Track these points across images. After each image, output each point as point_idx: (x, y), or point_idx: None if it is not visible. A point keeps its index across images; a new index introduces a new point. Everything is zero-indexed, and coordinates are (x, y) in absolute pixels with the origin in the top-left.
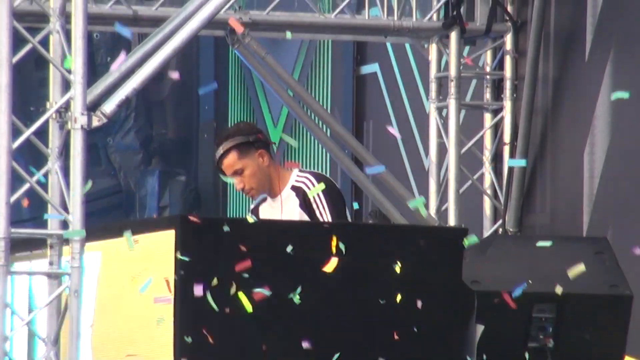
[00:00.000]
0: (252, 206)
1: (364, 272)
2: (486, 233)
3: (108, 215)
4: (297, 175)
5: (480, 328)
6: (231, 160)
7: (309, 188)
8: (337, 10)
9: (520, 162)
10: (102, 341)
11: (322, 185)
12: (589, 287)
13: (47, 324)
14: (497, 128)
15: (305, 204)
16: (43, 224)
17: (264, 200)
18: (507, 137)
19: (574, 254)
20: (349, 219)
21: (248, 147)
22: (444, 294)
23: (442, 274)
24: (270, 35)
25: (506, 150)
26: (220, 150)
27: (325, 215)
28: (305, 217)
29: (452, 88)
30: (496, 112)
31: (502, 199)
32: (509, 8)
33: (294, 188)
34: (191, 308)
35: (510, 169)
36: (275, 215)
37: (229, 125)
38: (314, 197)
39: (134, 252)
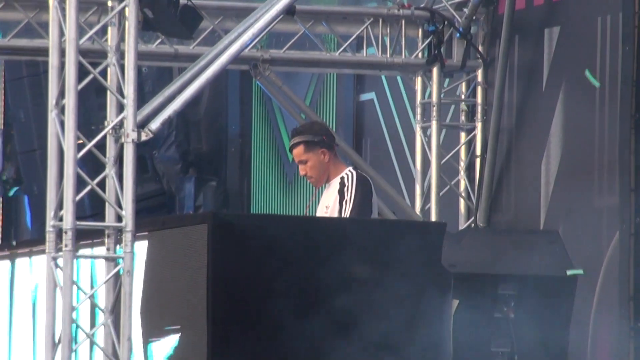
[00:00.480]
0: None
1: (364, 257)
2: (461, 227)
3: (153, 213)
4: (348, 170)
5: (455, 302)
6: (298, 152)
7: (348, 177)
8: (341, 49)
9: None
10: (149, 312)
11: (354, 173)
12: (543, 270)
13: (105, 297)
14: (470, 144)
15: (341, 187)
16: (102, 219)
17: (326, 187)
18: (478, 151)
19: (531, 244)
20: (373, 207)
21: (314, 145)
22: (427, 275)
23: (425, 258)
24: (286, 69)
25: (477, 161)
26: (292, 142)
27: (350, 194)
28: (337, 199)
29: (434, 112)
30: (470, 131)
31: (474, 201)
32: (480, 48)
33: (340, 177)
34: (223, 289)
35: (481, 176)
36: (325, 196)
37: (299, 126)
38: (347, 182)
39: (173, 241)
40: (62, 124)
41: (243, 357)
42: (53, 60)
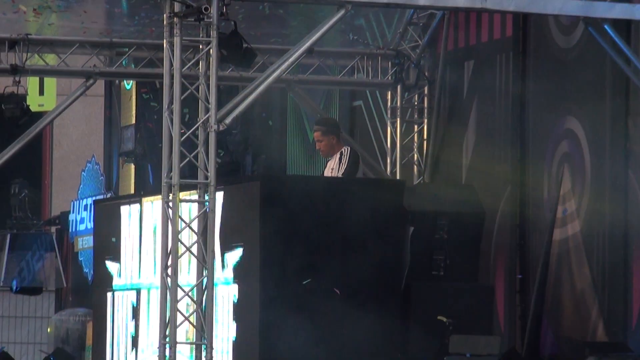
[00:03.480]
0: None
1: (353, 202)
2: (415, 182)
3: (227, 175)
4: (345, 147)
5: (411, 229)
6: (317, 135)
7: (345, 151)
8: (341, 74)
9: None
10: (224, 235)
11: (349, 149)
12: (463, 208)
13: (198, 226)
14: (420, 132)
15: (340, 156)
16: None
17: (331, 158)
18: (425, 136)
19: (456, 193)
20: (359, 170)
21: (326, 132)
22: (393, 212)
23: (392, 202)
24: (307, 86)
25: (424, 143)
26: (314, 129)
27: (345, 160)
28: (337, 164)
29: (399, 113)
30: (420, 124)
31: (422, 167)
32: (426, 73)
33: (340, 152)
34: (270, 221)
35: (427, 152)
36: (331, 163)
37: (319, 119)
38: (344, 153)
39: (238, 191)
40: (171, 120)
41: (281, 266)
42: (166, 80)
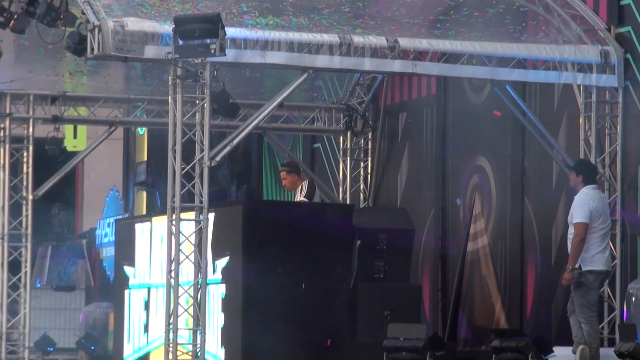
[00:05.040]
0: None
1: (307, 223)
2: (361, 206)
3: (217, 200)
4: (305, 181)
5: (357, 242)
6: (282, 174)
7: (305, 184)
8: (305, 122)
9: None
10: (215, 245)
11: (307, 181)
12: (397, 225)
13: (195, 239)
14: (365, 168)
15: (301, 188)
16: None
17: (295, 192)
18: (369, 170)
19: (393, 213)
20: (316, 196)
21: (289, 171)
22: (344, 229)
23: (343, 221)
24: (279, 132)
25: (369, 175)
26: (281, 170)
27: (304, 190)
28: (299, 194)
29: (349, 153)
30: (365, 161)
31: (367, 193)
32: (370, 122)
33: (302, 185)
34: (251, 236)
35: (371, 182)
36: (296, 193)
37: (284, 162)
38: (304, 185)
39: (226, 213)
40: (174, 158)
41: (259, 269)
42: (170, 127)
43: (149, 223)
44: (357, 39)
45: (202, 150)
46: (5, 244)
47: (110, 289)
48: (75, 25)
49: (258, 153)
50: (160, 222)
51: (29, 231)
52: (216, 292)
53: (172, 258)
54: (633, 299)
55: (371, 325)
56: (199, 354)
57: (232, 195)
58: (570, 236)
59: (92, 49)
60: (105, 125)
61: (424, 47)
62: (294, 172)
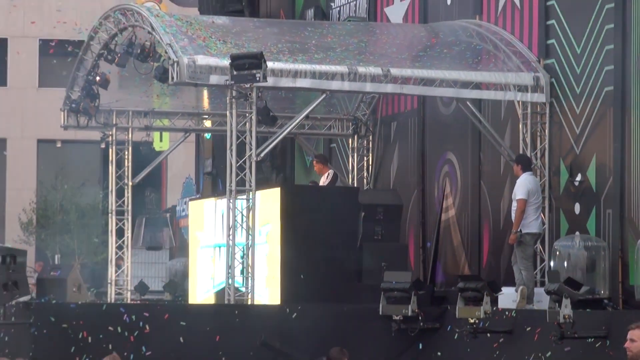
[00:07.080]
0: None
1: (328, 200)
2: (364, 188)
3: (261, 184)
4: (330, 170)
5: (362, 213)
6: (315, 162)
7: (330, 172)
8: (324, 129)
9: None
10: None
11: (332, 172)
12: (390, 202)
13: (245, 212)
14: (368, 163)
15: (327, 175)
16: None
17: (323, 175)
18: (370, 164)
19: (387, 193)
20: (337, 182)
21: (318, 161)
22: (352, 205)
23: (351, 199)
24: (306, 136)
25: (370, 168)
26: (314, 159)
27: (329, 179)
28: (325, 179)
29: (356, 152)
30: (367, 156)
31: (370, 180)
32: (371, 128)
33: (328, 172)
34: (289, 211)
35: (371, 173)
36: (322, 179)
37: (315, 155)
38: (330, 173)
39: (269, 194)
40: (231, 154)
41: (293, 234)
42: (228, 133)
43: (213, 201)
44: (361, 69)
45: (250, 149)
46: (114, 217)
47: (187, 249)
48: (161, 61)
49: (291, 151)
50: (221, 201)
51: (129, 208)
52: (262, 251)
53: (230, 226)
54: (557, 253)
55: (372, 273)
56: (249, 294)
57: (272, 181)
58: (513, 208)
59: (173, 78)
60: (182, 132)
61: (408, 74)
62: (322, 162)
